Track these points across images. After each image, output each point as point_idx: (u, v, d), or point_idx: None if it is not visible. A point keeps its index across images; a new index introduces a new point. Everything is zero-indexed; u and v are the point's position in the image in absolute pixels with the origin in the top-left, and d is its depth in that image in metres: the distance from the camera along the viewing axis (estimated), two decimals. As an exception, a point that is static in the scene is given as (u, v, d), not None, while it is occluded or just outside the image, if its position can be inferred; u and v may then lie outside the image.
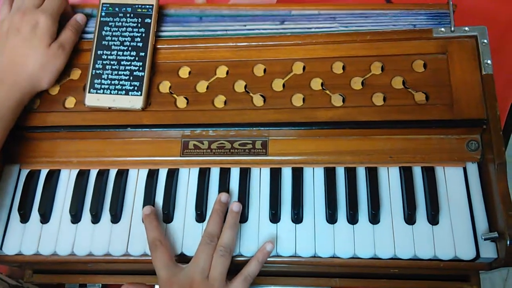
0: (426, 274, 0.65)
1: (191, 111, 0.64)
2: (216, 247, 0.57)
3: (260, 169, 0.63)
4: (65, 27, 0.67)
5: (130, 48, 0.66)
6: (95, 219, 0.63)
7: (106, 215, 0.63)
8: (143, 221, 0.61)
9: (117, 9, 0.68)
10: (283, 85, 0.64)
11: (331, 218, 0.59)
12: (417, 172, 0.61)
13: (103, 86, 0.65)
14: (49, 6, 0.66)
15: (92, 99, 0.65)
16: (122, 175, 0.64)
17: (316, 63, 0.65)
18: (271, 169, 0.63)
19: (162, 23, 0.69)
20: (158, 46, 0.67)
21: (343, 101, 0.63)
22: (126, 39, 0.66)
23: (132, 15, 0.67)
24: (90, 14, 0.71)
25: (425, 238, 0.57)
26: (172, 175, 0.63)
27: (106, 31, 0.67)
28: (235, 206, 0.60)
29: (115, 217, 0.62)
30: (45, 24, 0.64)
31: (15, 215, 0.64)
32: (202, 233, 0.60)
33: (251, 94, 0.64)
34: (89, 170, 0.66)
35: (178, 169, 0.64)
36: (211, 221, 0.59)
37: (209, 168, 0.64)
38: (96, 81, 0.65)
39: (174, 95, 0.65)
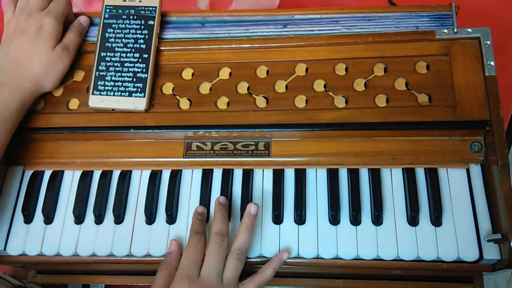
0: (429, 275, 0.65)
1: (194, 112, 0.64)
2: (232, 249, 0.56)
3: (263, 170, 0.63)
4: (69, 29, 0.68)
5: (133, 50, 0.66)
6: (99, 220, 0.63)
7: (109, 216, 0.63)
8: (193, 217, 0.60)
9: (120, 11, 0.68)
10: (286, 87, 0.65)
11: (334, 219, 0.59)
12: (420, 174, 0.61)
13: (106, 88, 0.65)
14: (54, 8, 0.66)
15: (96, 101, 0.65)
16: (125, 176, 0.64)
17: (319, 65, 0.65)
18: (274, 170, 0.63)
19: (164, 30, 0.68)
20: (161, 48, 0.67)
21: (346, 102, 0.63)
22: (129, 41, 0.67)
23: (135, 17, 0.67)
24: (92, 22, 0.71)
25: (428, 240, 0.57)
26: (175, 176, 0.64)
27: (109, 33, 0.67)
28: (253, 209, 0.58)
29: (118, 218, 0.62)
30: (50, 27, 0.65)
31: (19, 216, 0.64)
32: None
33: (254, 96, 0.65)
34: (92, 171, 0.66)
35: (181, 170, 0.64)
36: (217, 221, 0.58)
37: (212, 170, 0.64)
38: (99, 82, 0.66)
39: (177, 97, 0.66)
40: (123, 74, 0.66)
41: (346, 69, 0.64)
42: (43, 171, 0.66)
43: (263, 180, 0.63)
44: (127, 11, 0.68)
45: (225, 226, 0.58)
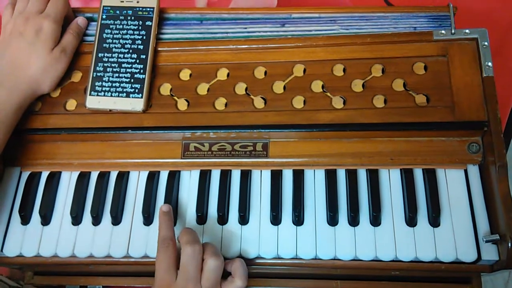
0: (427, 276, 0.65)
1: (192, 113, 0.64)
2: (205, 259, 0.55)
3: (261, 171, 0.63)
4: (66, 31, 0.67)
5: (131, 51, 0.66)
6: (96, 221, 0.63)
7: (106, 217, 0.63)
8: (159, 218, 0.59)
9: (118, 11, 0.68)
10: (284, 88, 0.64)
11: (332, 220, 0.59)
12: (418, 174, 0.61)
13: (104, 89, 0.65)
14: (53, 10, 0.66)
15: (93, 102, 0.65)
16: (123, 177, 0.64)
17: (317, 66, 0.65)
18: (272, 171, 0.63)
19: (162, 26, 0.69)
20: (159, 49, 0.67)
21: (344, 103, 0.63)
22: (127, 41, 0.67)
23: (133, 17, 0.67)
24: (91, 18, 0.71)
25: (426, 240, 0.57)
26: (173, 177, 0.63)
27: (107, 33, 0.67)
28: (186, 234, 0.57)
29: (116, 219, 0.62)
30: (49, 29, 0.64)
31: (16, 217, 0.64)
32: (203, 235, 0.60)
33: (252, 97, 0.64)
34: (90, 172, 0.66)
35: (179, 171, 0.64)
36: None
37: (210, 171, 0.64)
38: (97, 83, 0.66)
39: (175, 98, 0.66)
40: (120, 75, 0.66)
41: (344, 70, 0.64)
42: (40, 172, 0.66)
43: (261, 181, 0.63)
44: (125, 11, 0.68)
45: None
